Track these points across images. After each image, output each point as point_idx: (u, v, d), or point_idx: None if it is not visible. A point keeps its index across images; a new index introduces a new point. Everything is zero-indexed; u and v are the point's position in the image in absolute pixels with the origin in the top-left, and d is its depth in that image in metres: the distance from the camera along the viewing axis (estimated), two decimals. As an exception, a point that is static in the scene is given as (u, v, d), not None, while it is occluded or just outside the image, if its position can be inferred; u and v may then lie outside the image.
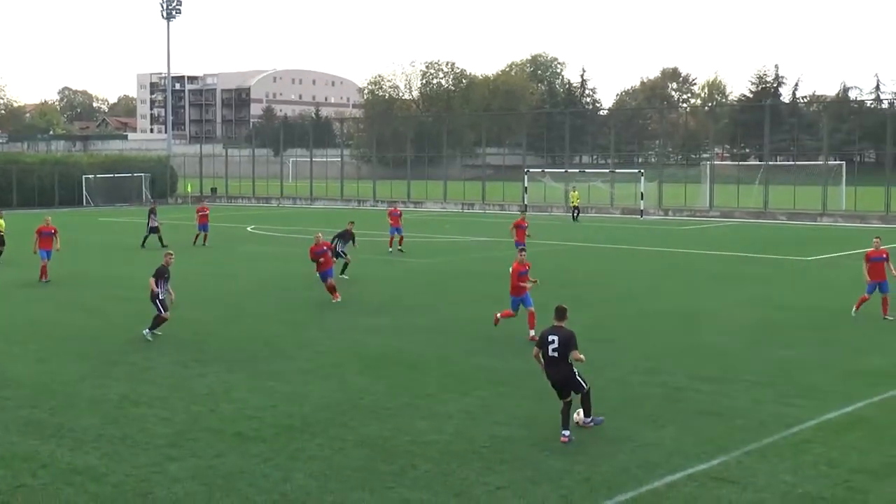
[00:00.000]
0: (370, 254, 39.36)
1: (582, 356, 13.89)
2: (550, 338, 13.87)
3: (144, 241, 43.50)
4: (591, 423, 14.34)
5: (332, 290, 26.73)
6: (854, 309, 24.42)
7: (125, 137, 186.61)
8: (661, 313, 24.83)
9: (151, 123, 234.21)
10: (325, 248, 27.12)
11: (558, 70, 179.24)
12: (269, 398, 16.26)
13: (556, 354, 13.81)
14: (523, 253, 21.78)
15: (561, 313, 14.08)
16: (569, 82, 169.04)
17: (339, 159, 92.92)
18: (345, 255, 32.64)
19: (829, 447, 13.47)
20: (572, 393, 13.98)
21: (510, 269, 21.92)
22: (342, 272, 31.93)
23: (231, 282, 31.29)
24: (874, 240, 24.86)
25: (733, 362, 18.97)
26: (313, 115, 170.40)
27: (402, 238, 40.91)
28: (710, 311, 25.42)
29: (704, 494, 11.65)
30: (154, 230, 43.68)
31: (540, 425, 14.53)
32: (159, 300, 21.52)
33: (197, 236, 44.48)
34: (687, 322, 23.71)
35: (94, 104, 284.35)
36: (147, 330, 21.35)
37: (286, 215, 70.39)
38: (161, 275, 21.78)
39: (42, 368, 18.61)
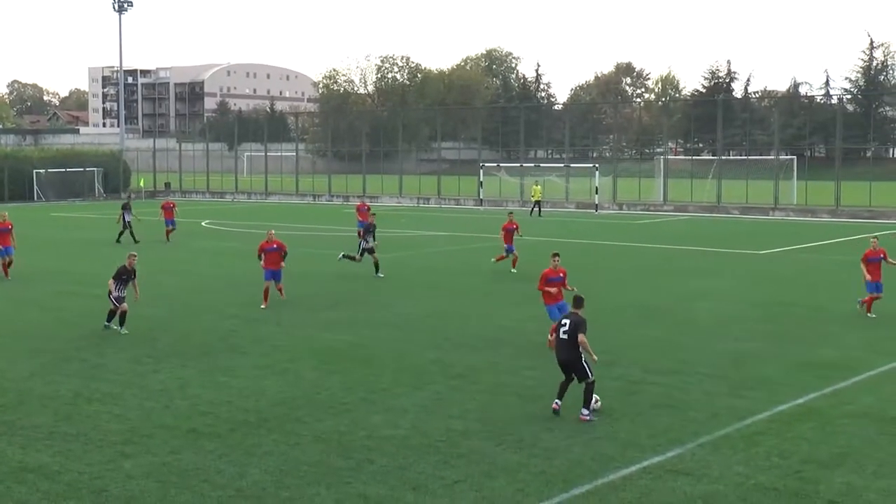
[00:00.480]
0: (326, 249, 39.26)
1: (589, 348, 14.64)
2: (564, 321, 15.03)
3: (120, 237, 43.06)
4: (589, 418, 14.54)
5: (265, 294, 25.12)
6: (867, 312, 23.76)
7: (77, 131, 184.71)
8: (617, 307, 24.98)
9: (104, 117, 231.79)
10: (275, 245, 25.65)
11: (513, 65, 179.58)
12: (223, 394, 16.17)
13: (565, 336, 14.80)
14: (557, 259, 20.08)
15: (578, 302, 15.24)
16: (523, 77, 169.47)
17: (294, 154, 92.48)
18: (371, 252, 31.55)
19: (780, 438, 13.64)
20: (575, 379, 14.81)
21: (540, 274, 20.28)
22: (376, 271, 31.22)
23: (186, 278, 31.05)
24: (871, 240, 24.77)
25: (688, 356, 19.14)
26: (268, 110, 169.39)
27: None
28: (666, 305, 25.61)
29: (659, 486, 11.74)
30: (126, 226, 43.30)
31: (495, 419, 14.59)
32: (112, 297, 21.68)
33: (168, 231, 44.33)
34: (643, 316, 23.88)
35: (45, 97, 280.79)
36: (119, 326, 21.51)
37: (241, 210, 69.93)
38: (120, 276, 21.81)
39: (-8, 365, 18.36)
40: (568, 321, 14.91)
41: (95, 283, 27.27)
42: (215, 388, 16.54)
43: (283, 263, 25.59)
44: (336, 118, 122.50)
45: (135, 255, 22.56)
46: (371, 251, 31.67)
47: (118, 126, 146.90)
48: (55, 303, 25.85)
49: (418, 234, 48.52)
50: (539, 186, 65.12)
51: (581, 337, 14.63)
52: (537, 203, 63.53)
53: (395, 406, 15.40)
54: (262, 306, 24.81)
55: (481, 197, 73.70)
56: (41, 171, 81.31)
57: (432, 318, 23.58)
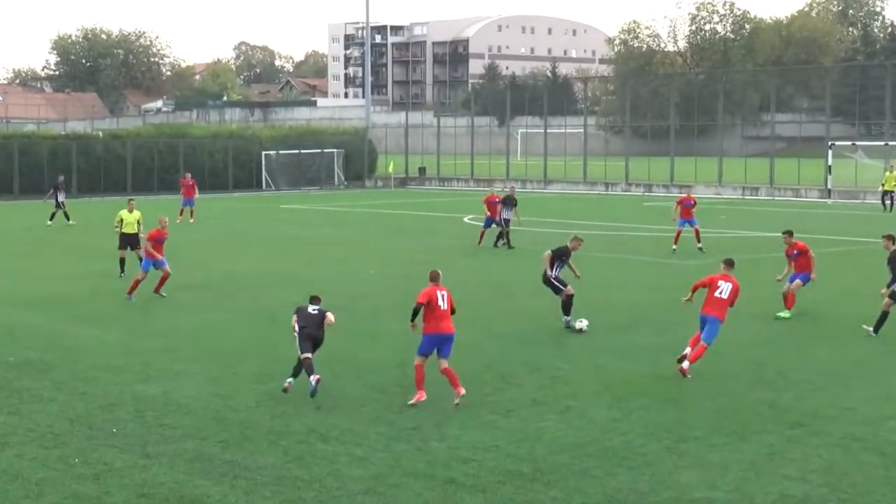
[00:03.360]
0: (626, 253, 39.47)
1: None
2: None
3: (52, 218, 51.31)
4: None
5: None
6: None
7: (313, 104, 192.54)
8: None
9: (346, 86, 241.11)
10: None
11: (876, 8, 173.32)
12: (490, 436, 16.44)
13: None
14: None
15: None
16: (892, 24, 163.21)
17: (582, 130, 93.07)
18: (506, 223, 40.67)
19: None
20: None
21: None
22: (503, 243, 40.15)
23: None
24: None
25: None
26: (549, 74, 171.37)
27: (504, 232, 41.98)
28: None
29: None
30: (59, 206, 51.83)
31: (847, 483, 14.20)
32: (554, 280, 25.74)
33: (182, 212, 51.74)
34: None
35: (276, 63, 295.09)
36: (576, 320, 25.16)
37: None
38: (560, 256, 25.91)
39: (213, 391, 19.46)
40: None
41: (331, 290, 28.34)
42: (479, 429, 16.84)
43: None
44: (636, 84, 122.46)
45: (580, 240, 26.71)
46: (507, 223, 40.50)
47: (363, 97, 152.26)
48: (286, 315, 27.12)
49: (745, 235, 47.69)
50: (894, 172, 62.93)
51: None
52: (889, 193, 61.71)
53: (712, 460, 15.23)
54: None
55: (829, 186, 71.65)
56: (271, 152, 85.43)
57: (761, 346, 23.15)
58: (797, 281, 27.21)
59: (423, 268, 34.11)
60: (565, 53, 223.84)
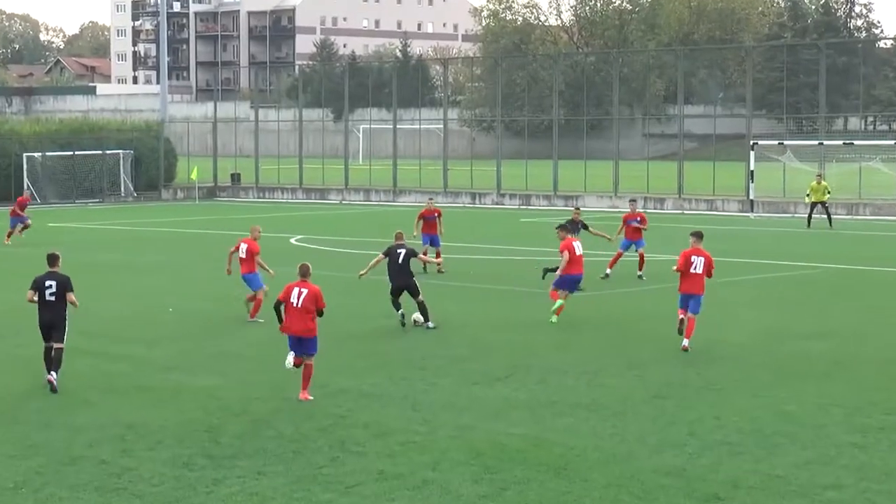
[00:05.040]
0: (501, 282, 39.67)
1: None
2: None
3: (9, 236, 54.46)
4: None
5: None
6: None
7: (92, 91, 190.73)
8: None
9: (135, 68, 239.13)
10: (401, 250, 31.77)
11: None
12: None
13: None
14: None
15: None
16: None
17: (442, 126, 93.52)
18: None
19: None
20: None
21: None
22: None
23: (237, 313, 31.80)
24: None
25: None
26: (398, 54, 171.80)
27: (437, 253, 44.03)
28: None
29: None
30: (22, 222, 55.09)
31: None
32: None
33: (10, 233, 54.44)
34: None
35: (42, 37, 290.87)
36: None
37: (353, 219, 71.11)
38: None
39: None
40: None
41: (120, 333, 28.11)
42: (313, 512, 16.89)
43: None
44: (510, 67, 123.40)
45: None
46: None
47: (157, 82, 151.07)
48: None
49: (648, 259, 48.41)
50: (824, 182, 63.99)
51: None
52: (821, 205, 62.45)
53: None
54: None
55: (751, 197, 72.89)
56: (35, 154, 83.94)
57: (667, 399, 23.56)
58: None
59: (237, 304, 34.15)
60: (419, 28, 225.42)
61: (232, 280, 34.35)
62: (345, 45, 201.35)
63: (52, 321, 24.02)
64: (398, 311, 31.51)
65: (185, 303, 36.48)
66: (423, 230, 45.03)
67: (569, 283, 32.48)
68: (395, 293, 31.60)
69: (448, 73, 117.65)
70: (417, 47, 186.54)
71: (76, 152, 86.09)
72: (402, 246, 31.73)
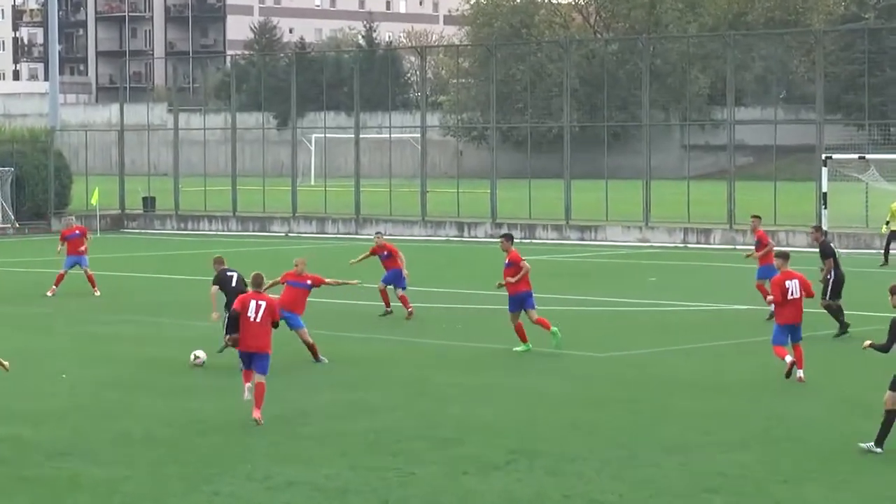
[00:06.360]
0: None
1: None
2: None
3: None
4: None
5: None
6: None
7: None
8: None
9: (16, 59, 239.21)
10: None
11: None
12: None
13: None
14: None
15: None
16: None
17: (419, 134, 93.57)
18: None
19: None
20: None
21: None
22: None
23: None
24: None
25: None
26: (360, 41, 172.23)
27: (403, 298, 46.34)
28: None
29: None
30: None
31: None
32: None
33: (61, 277, 53.48)
34: None
35: None
36: None
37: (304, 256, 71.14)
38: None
39: None
40: None
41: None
42: None
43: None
44: (507, 58, 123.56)
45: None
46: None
47: (46, 78, 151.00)
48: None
49: (693, 309, 48.41)
50: None
51: None
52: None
53: None
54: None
55: (825, 227, 72.85)
56: None
57: (705, 492, 23.55)
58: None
59: (151, 369, 34.13)
60: (389, 7, 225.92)
61: (140, 338, 34.42)
62: (291, 31, 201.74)
63: None
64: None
65: (81, 368, 36.40)
66: (385, 265, 46.82)
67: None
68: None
69: (427, 65, 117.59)
70: (386, 32, 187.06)
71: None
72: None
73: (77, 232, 54.44)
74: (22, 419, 29.47)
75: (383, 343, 41.36)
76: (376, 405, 31.31)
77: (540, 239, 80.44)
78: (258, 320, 25.93)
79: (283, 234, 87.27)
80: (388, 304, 46.74)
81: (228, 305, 32.45)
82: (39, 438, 27.85)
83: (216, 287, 35.48)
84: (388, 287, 46.37)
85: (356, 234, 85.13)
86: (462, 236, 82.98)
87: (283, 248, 77.49)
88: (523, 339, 37.74)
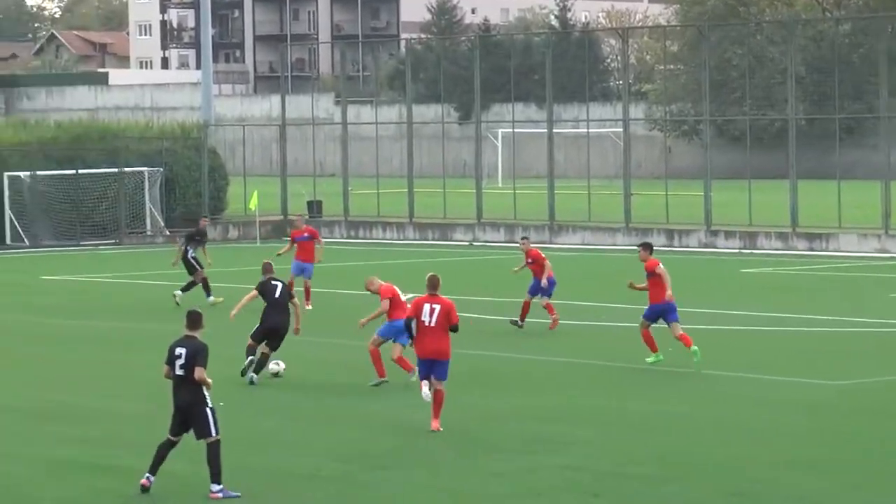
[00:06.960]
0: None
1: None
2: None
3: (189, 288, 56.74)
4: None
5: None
6: None
7: (103, 80, 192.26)
8: None
9: (164, 46, 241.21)
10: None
11: None
12: None
13: None
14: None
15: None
16: None
17: (622, 130, 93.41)
18: None
19: None
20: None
21: None
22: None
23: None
24: None
25: None
26: (553, 22, 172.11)
27: (548, 305, 48.17)
28: None
29: None
30: (193, 272, 57.25)
31: None
32: None
33: (292, 282, 50.24)
34: None
35: (30, 1, 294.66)
36: None
37: (491, 269, 71.32)
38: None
39: None
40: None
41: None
42: None
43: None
44: (722, 41, 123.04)
45: None
46: None
47: (198, 67, 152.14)
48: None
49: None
50: None
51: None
52: None
53: None
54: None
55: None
56: (20, 174, 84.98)
57: None
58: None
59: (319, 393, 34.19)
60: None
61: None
62: (474, 11, 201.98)
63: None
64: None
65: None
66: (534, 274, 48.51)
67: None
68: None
69: (629, 49, 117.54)
70: (582, 11, 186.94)
71: (80, 171, 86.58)
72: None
73: (307, 234, 56.70)
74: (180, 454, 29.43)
75: (560, 364, 41.64)
76: (568, 437, 31.19)
77: (762, 248, 79.84)
78: (433, 324, 26.29)
79: (466, 244, 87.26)
80: (522, 318, 48.02)
81: (267, 315, 36.57)
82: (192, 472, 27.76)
83: (255, 292, 37.51)
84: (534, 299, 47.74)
85: (550, 242, 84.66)
86: (672, 246, 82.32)
87: (466, 260, 77.59)
88: (652, 349, 39.23)
